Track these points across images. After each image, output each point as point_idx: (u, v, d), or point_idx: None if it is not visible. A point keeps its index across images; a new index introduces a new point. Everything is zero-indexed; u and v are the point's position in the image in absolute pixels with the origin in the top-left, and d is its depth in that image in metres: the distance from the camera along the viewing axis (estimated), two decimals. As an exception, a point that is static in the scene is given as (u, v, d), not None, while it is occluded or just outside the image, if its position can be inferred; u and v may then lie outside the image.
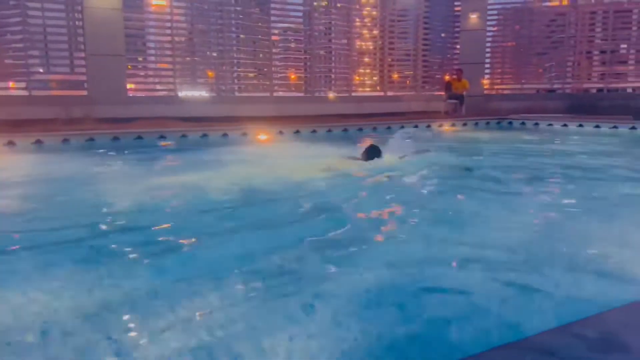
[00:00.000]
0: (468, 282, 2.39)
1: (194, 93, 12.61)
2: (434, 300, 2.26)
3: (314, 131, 9.53)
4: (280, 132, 9.21)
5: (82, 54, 11.00)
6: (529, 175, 5.39)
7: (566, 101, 13.49)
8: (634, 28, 14.58)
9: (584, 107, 12.44)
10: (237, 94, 13.14)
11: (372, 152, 5.30)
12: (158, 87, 12.72)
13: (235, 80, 13.31)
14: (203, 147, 8.02)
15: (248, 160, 6.58)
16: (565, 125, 9.89)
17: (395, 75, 15.15)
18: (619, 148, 7.94)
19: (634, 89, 14.70)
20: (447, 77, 13.79)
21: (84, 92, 10.95)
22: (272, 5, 12.90)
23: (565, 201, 4.38)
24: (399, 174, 5.11)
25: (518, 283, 2.38)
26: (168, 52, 12.09)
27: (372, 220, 3.68)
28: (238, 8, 12.86)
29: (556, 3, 15.55)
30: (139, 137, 8.22)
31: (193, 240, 3.15)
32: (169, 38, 11.94)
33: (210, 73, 12.72)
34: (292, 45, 14.21)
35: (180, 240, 3.13)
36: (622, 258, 2.70)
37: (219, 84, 12.63)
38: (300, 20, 13.72)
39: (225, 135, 8.77)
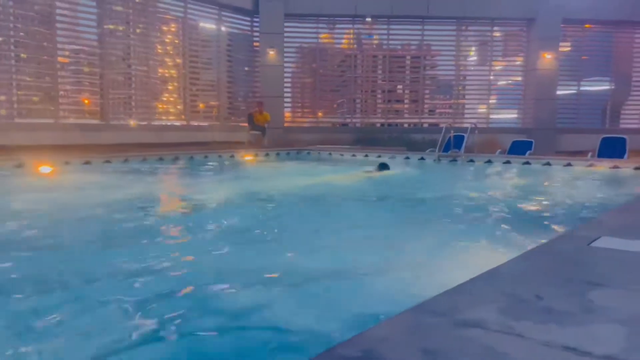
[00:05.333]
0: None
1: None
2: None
3: (108, 161, 8.84)
4: (67, 163, 8.32)
5: None
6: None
7: (355, 134, 15.02)
8: (407, 72, 17.01)
9: (369, 139, 14.00)
10: (16, 119, 11.55)
11: (383, 167, 8.05)
12: None
13: (15, 105, 11.69)
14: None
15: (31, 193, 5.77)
16: (354, 155, 10.93)
17: (201, 105, 15.07)
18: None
19: (408, 124, 17.07)
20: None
21: None
22: (59, 25, 11.77)
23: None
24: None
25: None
26: None
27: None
28: (18, 25, 11.44)
29: (345, 46, 17.29)
30: None
31: None
32: None
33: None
34: (86, 68, 13.11)
35: None
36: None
37: (-9, 108, 10.97)
38: (95, 43, 12.76)
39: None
